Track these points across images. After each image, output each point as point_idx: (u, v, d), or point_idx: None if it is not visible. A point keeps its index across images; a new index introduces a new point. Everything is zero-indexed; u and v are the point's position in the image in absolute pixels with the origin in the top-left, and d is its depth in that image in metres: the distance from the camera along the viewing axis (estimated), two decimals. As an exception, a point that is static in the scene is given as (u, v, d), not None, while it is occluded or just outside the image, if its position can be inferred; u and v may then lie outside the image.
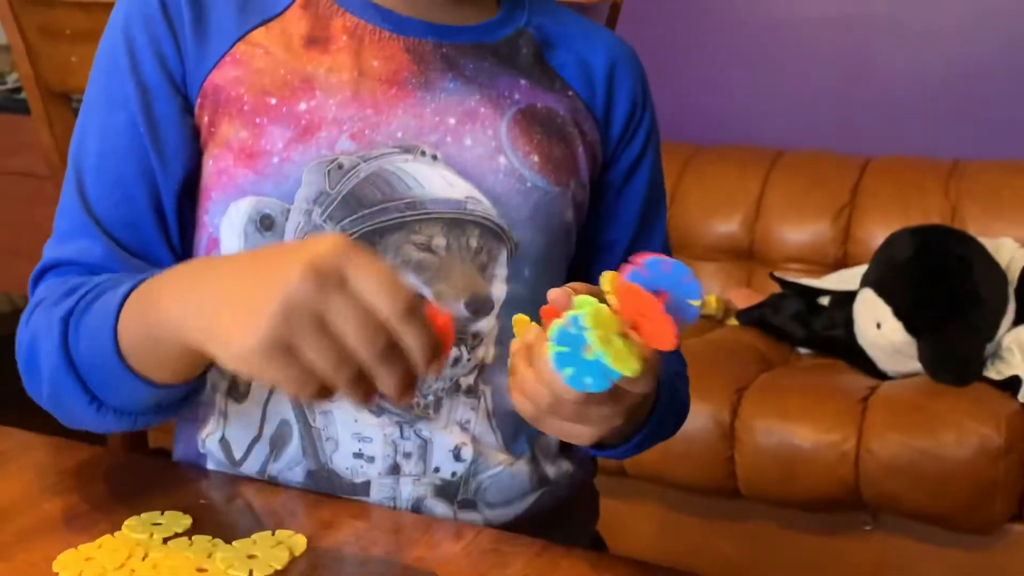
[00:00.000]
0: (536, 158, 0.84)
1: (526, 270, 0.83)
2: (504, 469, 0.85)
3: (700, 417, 2.19)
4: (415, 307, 0.58)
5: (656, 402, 0.83)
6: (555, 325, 0.61)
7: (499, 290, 0.82)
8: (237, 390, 0.83)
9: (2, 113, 3.30)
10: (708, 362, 2.33)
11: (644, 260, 0.64)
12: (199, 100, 0.81)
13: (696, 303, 0.64)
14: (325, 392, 0.59)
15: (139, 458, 0.87)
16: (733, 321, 2.66)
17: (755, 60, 3.04)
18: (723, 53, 3.06)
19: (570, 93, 0.89)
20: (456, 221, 0.81)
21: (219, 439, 0.84)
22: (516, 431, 0.86)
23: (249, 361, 0.58)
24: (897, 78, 2.89)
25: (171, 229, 0.83)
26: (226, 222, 0.80)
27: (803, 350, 2.52)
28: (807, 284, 2.58)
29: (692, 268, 0.64)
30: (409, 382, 0.60)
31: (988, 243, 2.39)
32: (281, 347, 0.57)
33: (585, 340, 0.59)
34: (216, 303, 0.62)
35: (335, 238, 0.60)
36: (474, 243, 0.81)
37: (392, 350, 0.58)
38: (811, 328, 2.49)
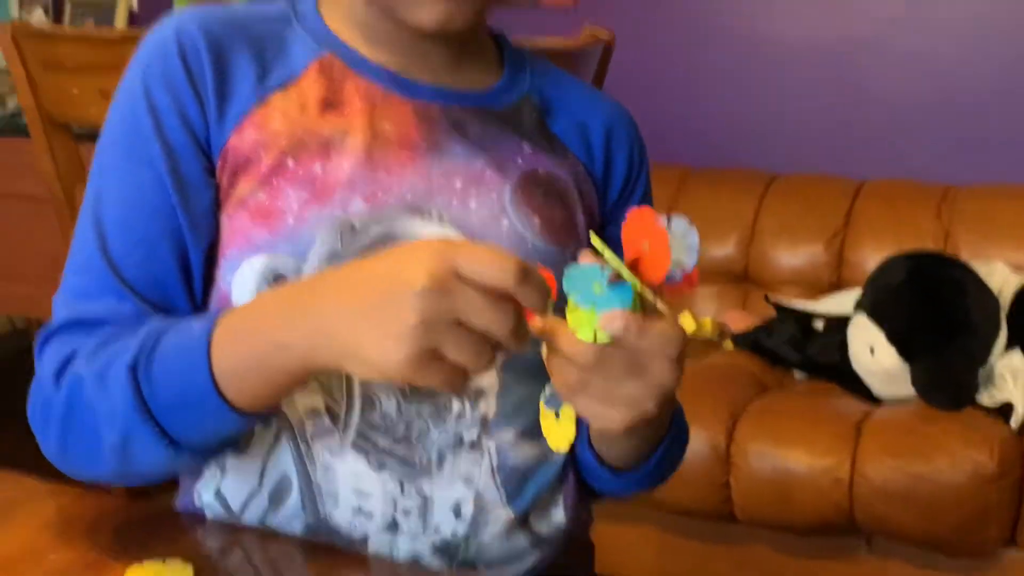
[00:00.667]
0: (537, 220, 0.87)
1: None
2: (503, 527, 0.86)
3: (696, 441, 2.20)
4: (526, 269, 0.64)
5: (669, 426, 0.87)
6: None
7: None
8: (238, 442, 0.83)
9: (3, 137, 3.31)
10: (704, 386, 2.34)
11: (674, 217, 0.67)
12: (219, 162, 0.83)
13: (688, 258, 0.67)
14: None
15: (143, 506, 0.88)
16: (728, 344, 2.68)
17: (749, 83, 3.06)
18: (717, 76, 3.09)
19: (570, 157, 0.92)
20: None
21: (215, 491, 0.85)
22: (520, 486, 0.87)
23: (401, 375, 0.65)
24: (891, 102, 2.91)
25: (196, 286, 0.84)
26: (238, 278, 0.82)
27: (798, 374, 2.53)
28: (802, 308, 2.60)
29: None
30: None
31: (980, 268, 2.41)
32: (429, 355, 0.64)
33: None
34: (351, 330, 0.67)
35: (432, 244, 0.66)
36: None
37: (519, 316, 0.65)
38: (806, 352, 2.51)
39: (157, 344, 0.75)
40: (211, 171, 0.83)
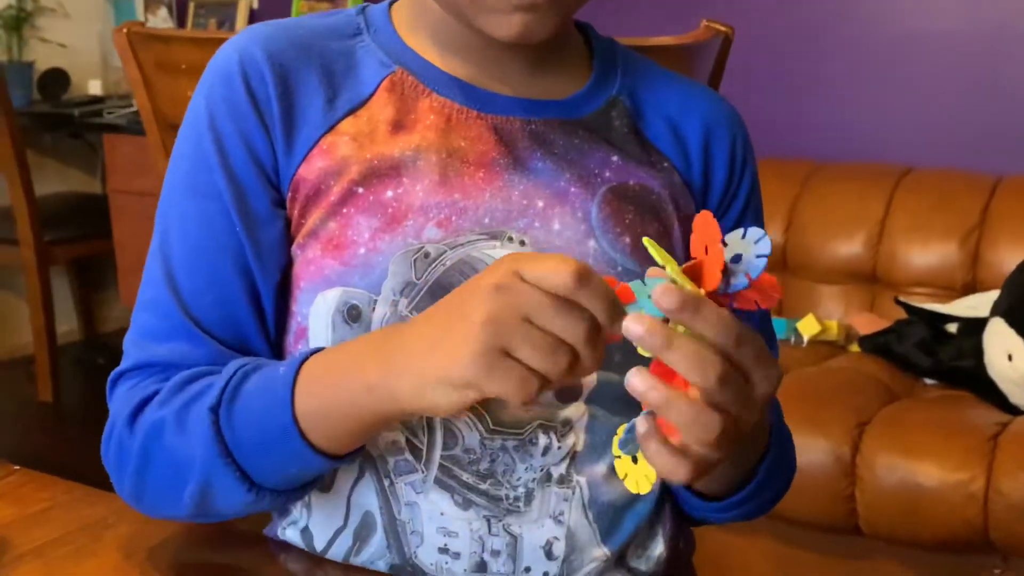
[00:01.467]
0: (628, 240, 0.81)
1: (616, 355, 0.79)
2: (599, 566, 0.81)
3: (818, 452, 2.12)
4: (585, 271, 0.61)
5: (766, 451, 0.80)
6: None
7: (589, 377, 0.79)
8: (323, 480, 0.80)
9: (130, 135, 3.40)
10: (828, 392, 2.25)
11: (751, 228, 0.63)
12: (290, 194, 0.80)
13: (747, 275, 0.62)
14: (544, 386, 0.62)
15: (233, 531, 0.86)
16: (855, 347, 2.58)
17: (879, 74, 2.94)
18: (844, 67, 2.97)
19: (666, 164, 0.85)
20: None
21: (301, 529, 0.83)
22: (615, 522, 0.82)
23: (472, 376, 0.62)
24: (1031, 93, 2.76)
25: (269, 322, 0.81)
26: (314, 312, 0.79)
27: (929, 381, 2.42)
28: (934, 310, 2.48)
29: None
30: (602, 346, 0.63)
31: None
32: (498, 354, 0.61)
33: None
34: (423, 354, 0.65)
35: (501, 260, 0.64)
36: None
37: (593, 324, 0.61)
38: (938, 357, 2.39)
39: (240, 386, 0.74)
40: (279, 203, 0.80)
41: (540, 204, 0.80)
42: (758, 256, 0.62)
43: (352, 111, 0.80)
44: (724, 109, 0.90)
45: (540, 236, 0.79)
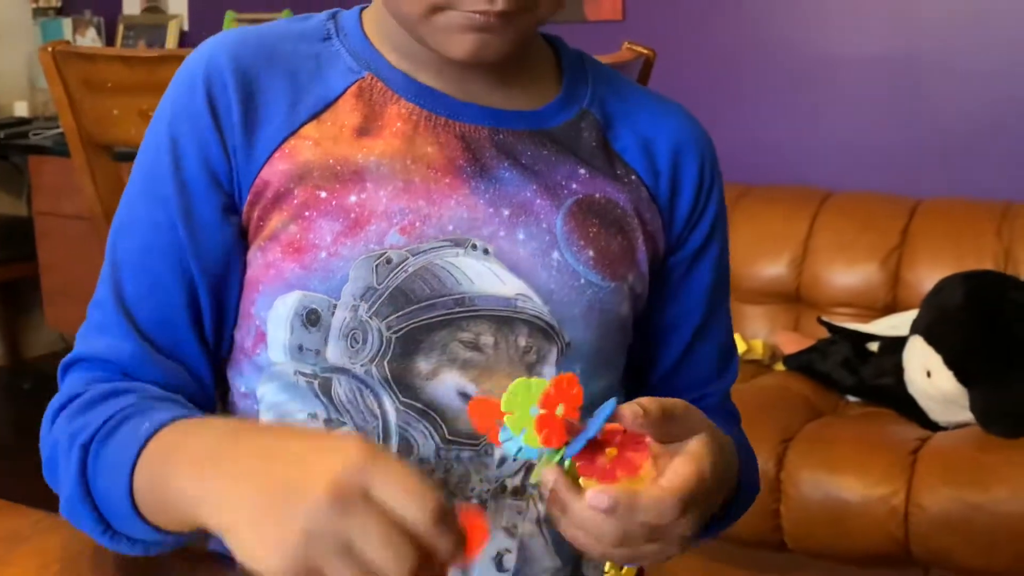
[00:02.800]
0: (592, 253, 0.81)
1: (577, 368, 0.80)
2: None
3: (744, 468, 2.14)
4: (445, 513, 0.58)
5: (736, 489, 0.82)
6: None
7: None
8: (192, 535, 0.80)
9: (56, 157, 3.36)
10: (754, 410, 2.28)
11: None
12: (250, 197, 0.79)
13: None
14: None
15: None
16: (780, 366, 2.62)
17: (803, 99, 3.00)
18: (770, 92, 3.03)
19: (633, 178, 0.85)
20: (505, 319, 0.78)
21: None
22: None
23: None
24: (948, 118, 2.83)
25: (207, 328, 0.81)
26: (273, 316, 0.78)
27: (851, 398, 2.47)
28: (856, 329, 2.53)
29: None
30: None
31: (1043, 289, 2.33)
32: (307, 569, 0.58)
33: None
34: (237, 504, 0.61)
35: (356, 447, 0.59)
36: (523, 342, 0.78)
37: (422, 558, 0.58)
38: (860, 375, 2.44)
39: (115, 431, 0.73)
40: (231, 209, 0.80)
41: (506, 213, 0.80)
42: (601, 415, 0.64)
43: (316, 115, 0.80)
44: (695, 129, 0.90)
45: (504, 246, 0.79)
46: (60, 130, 3.30)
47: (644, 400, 0.66)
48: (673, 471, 0.66)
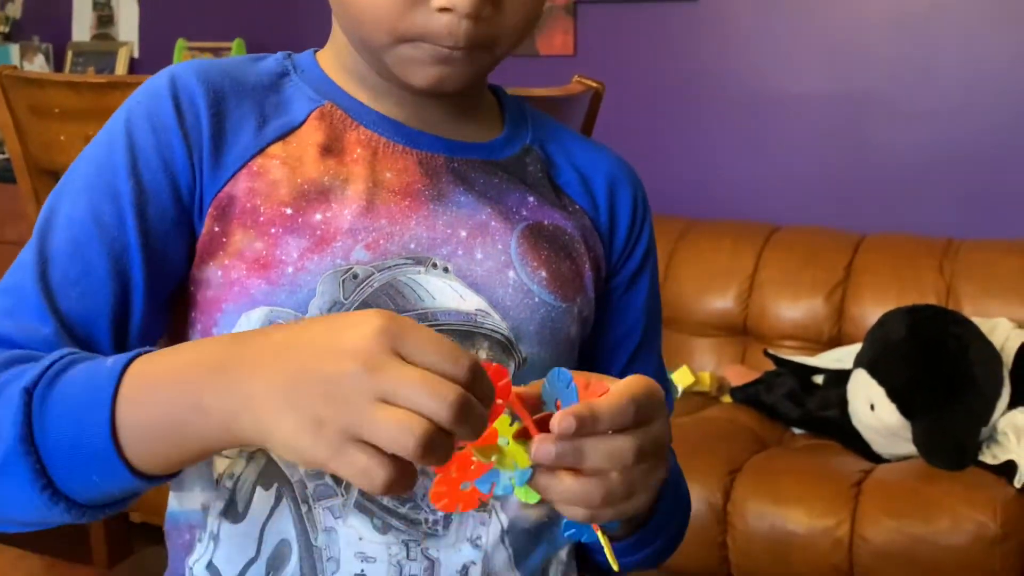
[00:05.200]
0: (544, 274, 0.84)
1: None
2: None
3: (692, 499, 2.15)
4: (478, 364, 0.59)
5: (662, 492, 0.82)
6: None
7: None
8: (235, 510, 0.79)
9: (1, 183, 3.31)
10: (701, 442, 2.30)
11: (549, 373, 0.67)
12: (211, 210, 0.79)
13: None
14: (404, 477, 0.59)
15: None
16: (727, 398, 2.64)
17: (750, 135, 3.04)
18: (718, 127, 3.07)
19: (577, 207, 0.90)
20: (466, 333, 0.80)
21: (206, 565, 0.81)
22: (529, 548, 0.84)
23: (318, 463, 0.59)
24: (892, 155, 2.89)
25: (131, 332, 0.78)
26: (238, 331, 0.78)
27: (797, 430, 2.49)
28: (801, 362, 2.56)
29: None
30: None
31: (983, 324, 2.37)
32: (349, 438, 0.58)
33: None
34: (272, 404, 0.60)
35: (378, 317, 0.59)
36: (483, 355, 0.80)
37: (467, 400, 0.58)
38: (805, 407, 2.47)
39: (64, 371, 0.68)
40: (185, 222, 0.80)
41: (463, 234, 0.83)
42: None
43: (282, 137, 0.82)
44: (624, 165, 0.95)
45: (463, 264, 0.82)
46: (5, 156, 3.26)
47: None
48: (617, 383, 0.67)
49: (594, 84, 1.40)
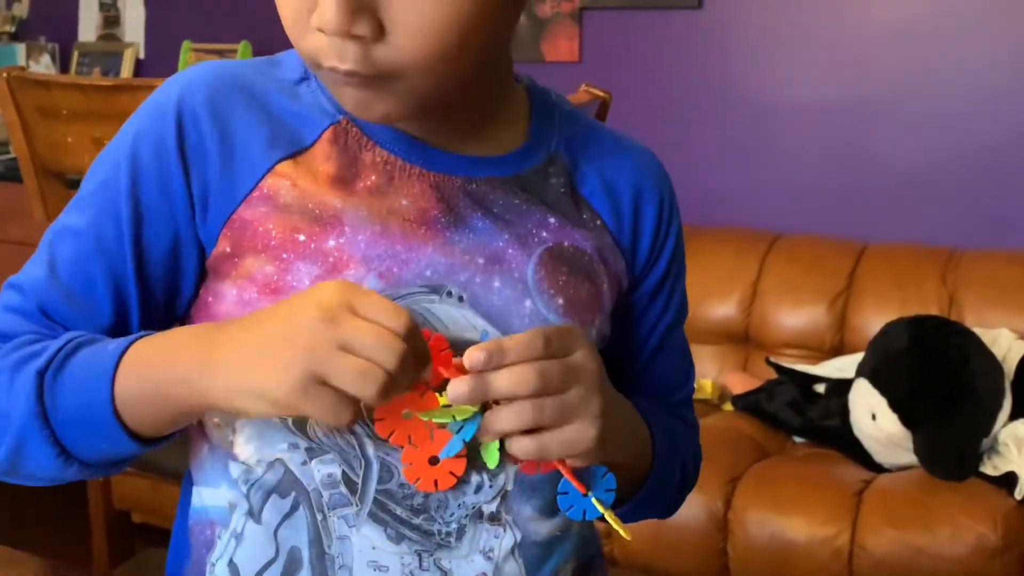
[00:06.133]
0: (561, 301, 0.83)
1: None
2: None
3: (692, 506, 2.16)
4: (415, 329, 0.70)
5: (654, 452, 0.87)
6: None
7: None
8: (258, 511, 0.80)
9: (6, 182, 3.32)
10: (703, 449, 2.29)
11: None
12: (224, 231, 0.79)
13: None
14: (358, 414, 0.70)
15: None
16: (728, 406, 2.64)
17: (753, 143, 3.05)
18: (722, 136, 3.08)
19: (598, 223, 0.88)
20: None
21: (228, 563, 0.81)
22: (540, 561, 0.84)
23: (288, 402, 0.69)
24: (895, 165, 2.89)
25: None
26: None
27: (798, 439, 2.49)
28: (803, 371, 2.56)
29: None
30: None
31: (985, 334, 2.37)
32: (314, 382, 0.67)
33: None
34: (242, 362, 0.70)
35: (335, 283, 0.70)
36: None
37: (408, 353, 0.69)
38: (806, 416, 2.47)
39: (72, 355, 0.76)
40: (191, 244, 0.80)
41: (481, 261, 0.81)
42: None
43: (293, 156, 0.80)
44: (652, 162, 0.92)
45: (479, 292, 0.80)
46: (11, 155, 3.27)
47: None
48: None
49: (601, 94, 1.41)
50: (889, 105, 2.89)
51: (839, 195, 2.95)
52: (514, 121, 0.87)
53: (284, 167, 0.80)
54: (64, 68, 3.94)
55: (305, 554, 0.79)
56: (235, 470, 0.80)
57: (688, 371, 0.99)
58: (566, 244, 0.85)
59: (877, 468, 2.30)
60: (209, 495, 0.83)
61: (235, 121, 0.80)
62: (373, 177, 0.81)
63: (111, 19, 3.91)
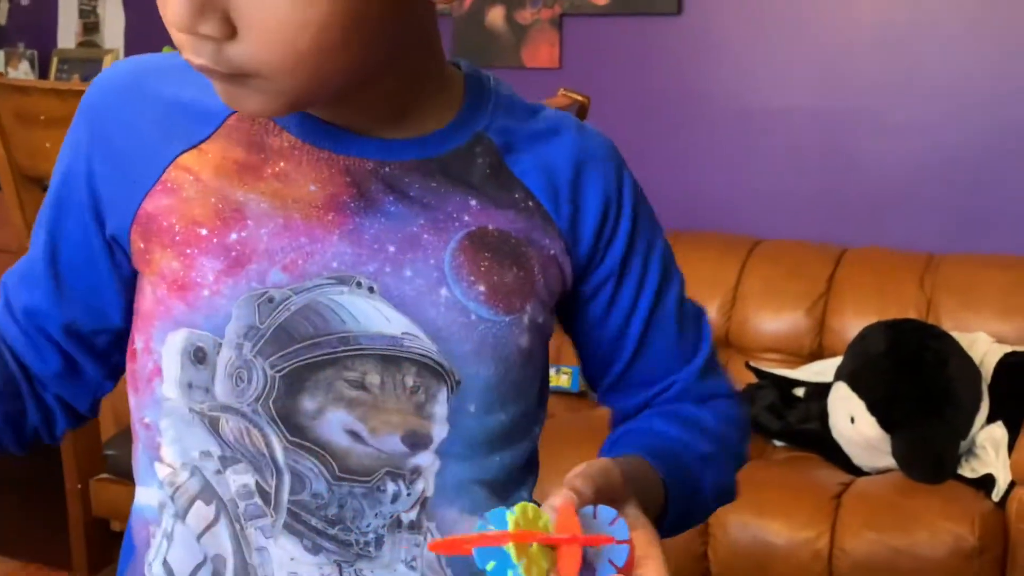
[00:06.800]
0: (482, 288, 0.79)
1: (471, 405, 0.79)
2: None
3: (673, 511, 2.16)
4: None
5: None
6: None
7: (440, 428, 0.79)
8: (183, 514, 0.80)
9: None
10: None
11: (600, 507, 0.66)
12: (134, 226, 0.79)
13: (617, 565, 0.66)
14: None
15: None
16: (709, 410, 2.65)
17: (733, 148, 3.06)
18: (702, 140, 3.09)
19: (530, 203, 0.82)
20: (391, 358, 0.77)
21: (162, 562, 0.81)
22: (468, 568, 0.82)
23: None
24: (874, 170, 2.91)
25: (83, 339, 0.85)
26: (165, 351, 0.78)
27: (778, 442, 2.50)
28: (782, 375, 2.57)
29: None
30: None
31: (963, 338, 2.39)
32: None
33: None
34: None
35: None
36: (410, 381, 0.78)
37: None
38: (786, 420, 2.48)
39: None
40: (102, 244, 0.82)
41: (391, 249, 0.78)
42: (620, 541, 0.65)
43: (196, 145, 0.78)
44: (601, 145, 0.87)
45: (390, 282, 0.77)
46: (-11, 162, 3.25)
47: (573, 487, 0.67)
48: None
49: (579, 97, 1.42)
50: (869, 111, 2.91)
51: (819, 200, 2.97)
52: (440, 105, 0.82)
53: (186, 159, 0.78)
54: (43, 75, 3.93)
55: (229, 563, 0.79)
56: (161, 471, 0.80)
57: (696, 338, 0.92)
58: (490, 227, 0.80)
59: (856, 471, 2.32)
60: (143, 494, 0.82)
61: (136, 117, 0.79)
62: (281, 164, 0.78)
63: (91, 25, 3.90)
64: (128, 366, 0.84)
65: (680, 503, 0.83)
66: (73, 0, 3.91)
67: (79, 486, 1.88)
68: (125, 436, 0.86)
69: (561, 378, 2.85)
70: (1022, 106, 2.77)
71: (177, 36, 0.68)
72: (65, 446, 1.89)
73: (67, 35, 3.94)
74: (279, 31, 0.66)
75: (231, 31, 0.66)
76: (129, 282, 0.83)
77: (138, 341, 0.82)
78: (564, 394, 2.82)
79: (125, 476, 1.75)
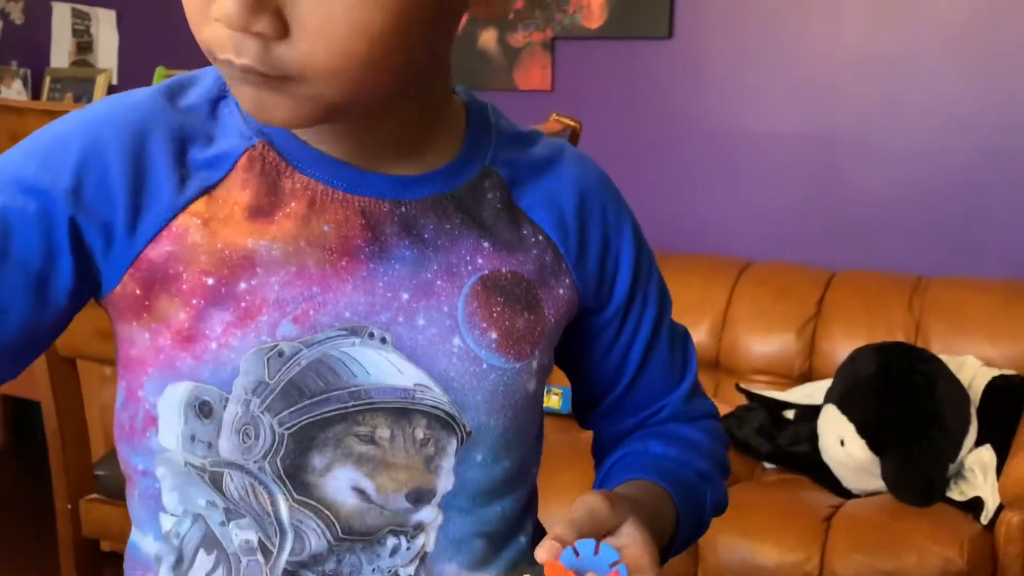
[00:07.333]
0: (495, 335, 0.78)
1: (478, 455, 0.78)
2: None
3: (663, 533, 2.17)
4: None
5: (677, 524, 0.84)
6: None
7: (446, 480, 0.78)
8: (182, 567, 0.78)
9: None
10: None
11: (578, 542, 0.67)
12: (130, 270, 0.74)
13: None
14: None
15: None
16: (699, 432, 2.65)
17: (723, 172, 3.08)
18: (690, 164, 3.11)
19: (540, 238, 0.82)
20: (402, 411, 0.75)
21: None
22: None
23: None
24: (863, 194, 2.93)
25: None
26: (164, 402, 0.75)
27: (768, 465, 2.51)
28: (772, 397, 2.58)
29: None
30: None
31: (951, 361, 2.40)
32: None
33: None
34: None
35: None
36: (420, 434, 0.76)
37: None
38: (776, 442, 2.49)
39: None
40: (71, 274, 0.73)
41: (405, 297, 0.76)
42: (612, 565, 0.67)
43: (207, 190, 0.74)
44: (593, 174, 0.87)
45: (403, 332, 0.75)
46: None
47: (556, 537, 0.68)
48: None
49: (571, 123, 1.43)
50: (857, 135, 2.93)
51: (808, 224, 2.99)
52: (449, 137, 0.81)
53: (197, 205, 0.74)
54: (36, 94, 3.93)
55: None
56: (166, 523, 0.78)
57: (683, 360, 0.93)
58: (503, 271, 0.79)
59: (846, 493, 2.32)
60: (139, 539, 0.80)
61: (147, 162, 0.73)
62: (293, 205, 0.75)
63: (84, 45, 3.91)
64: (116, 414, 0.80)
65: (688, 519, 0.85)
66: (67, 19, 3.92)
67: (69, 506, 1.87)
68: (115, 457, 0.84)
69: (552, 399, 2.85)
70: (1008, 131, 2.79)
71: (216, 35, 0.66)
72: (55, 466, 1.88)
73: (60, 54, 3.95)
74: (335, 33, 0.64)
75: (284, 30, 0.64)
76: (60, 311, 0.74)
77: (120, 386, 0.78)
78: (555, 415, 2.82)
79: (115, 496, 1.74)
